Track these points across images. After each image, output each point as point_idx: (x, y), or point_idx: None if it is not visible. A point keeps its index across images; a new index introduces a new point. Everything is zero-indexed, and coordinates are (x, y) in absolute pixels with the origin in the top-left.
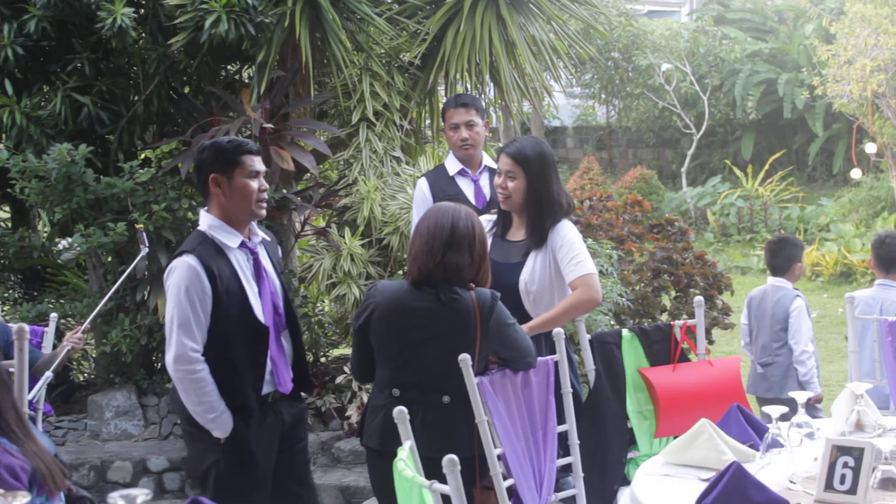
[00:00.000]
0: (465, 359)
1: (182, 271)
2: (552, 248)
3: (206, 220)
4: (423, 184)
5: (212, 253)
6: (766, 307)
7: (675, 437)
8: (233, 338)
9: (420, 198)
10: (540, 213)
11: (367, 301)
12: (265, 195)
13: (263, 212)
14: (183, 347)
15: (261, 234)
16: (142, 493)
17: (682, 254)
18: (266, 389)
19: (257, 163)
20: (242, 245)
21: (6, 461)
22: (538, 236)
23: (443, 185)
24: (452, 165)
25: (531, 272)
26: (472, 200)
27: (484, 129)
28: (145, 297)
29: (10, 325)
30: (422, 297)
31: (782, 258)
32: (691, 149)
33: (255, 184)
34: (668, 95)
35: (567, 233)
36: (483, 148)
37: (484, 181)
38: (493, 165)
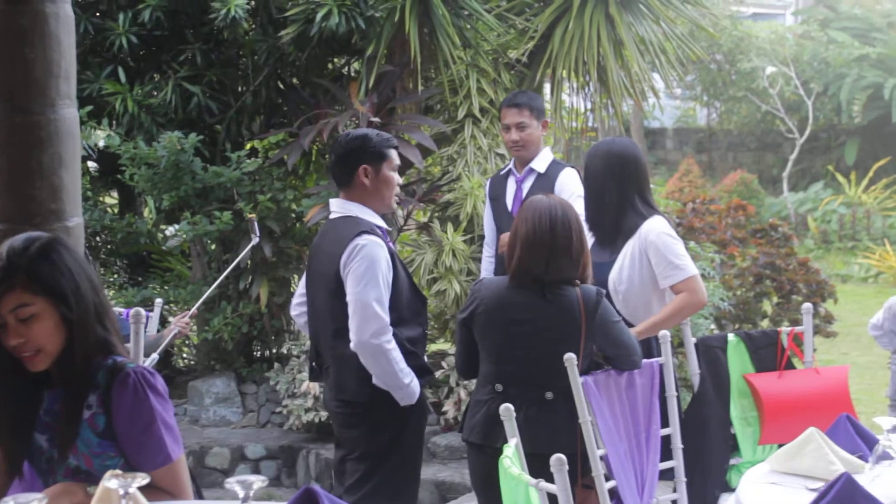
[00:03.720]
0: (570, 358)
1: (372, 249)
2: (643, 246)
3: (354, 208)
4: (487, 184)
5: (381, 232)
6: None
7: (779, 446)
8: (408, 313)
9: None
10: (597, 209)
11: (473, 295)
12: (399, 190)
13: (395, 206)
14: (381, 321)
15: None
16: (258, 480)
17: (785, 259)
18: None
19: (398, 158)
20: (384, 231)
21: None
22: (612, 237)
23: (496, 184)
24: (511, 164)
25: (619, 271)
26: (509, 203)
27: (540, 130)
28: (248, 286)
29: (123, 308)
30: (526, 294)
31: None
32: (793, 154)
33: (396, 178)
34: (771, 99)
35: (659, 232)
36: (540, 146)
37: (527, 184)
38: (542, 168)
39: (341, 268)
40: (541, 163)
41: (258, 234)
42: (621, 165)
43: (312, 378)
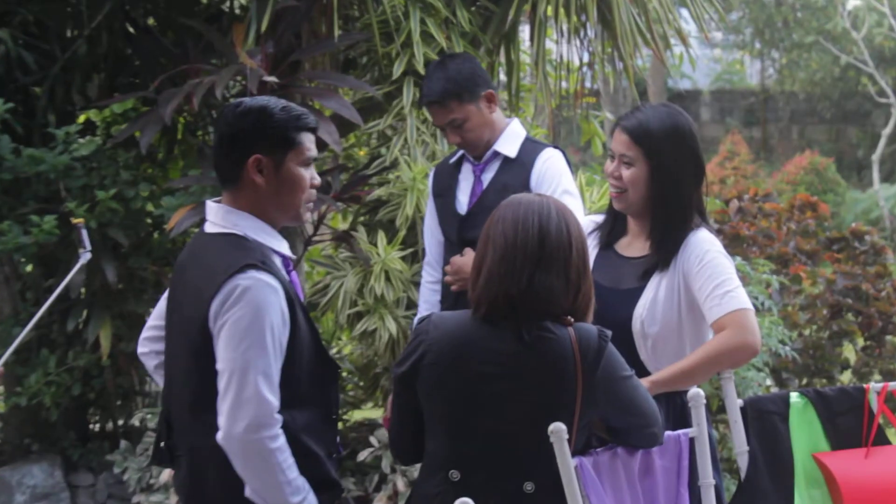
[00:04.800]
0: (558, 429)
1: (259, 294)
2: (683, 270)
3: (241, 220)
4: (431, 174)
5: (276, 267)
6: None
7: None
8: (306, 385)
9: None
10: (669, 219)
11: (417, 339)
12: (314, 193)
13: (308, 215)
14: (266, 406)
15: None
16: None
17: (874, 283)
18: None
19: (313, 145)
20: (285, 260)
21: None
22: (665, 252)
23: (443, 176)
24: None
25: (650, 305)
26: (462, 201)
27: (484, 110)
28: (79, 327)
29: None
30: (496, 335)
31: None
32: (888, 127)
33: (308, 175)
34: (854, 47)
35: (708, 249)
36: (498, 124)
37: (489, 174)
38: (511, 151)
39: (211, 318)
40: (509, 143)
41: (88, 247)
42: (695, 147)
43: (156, 462)
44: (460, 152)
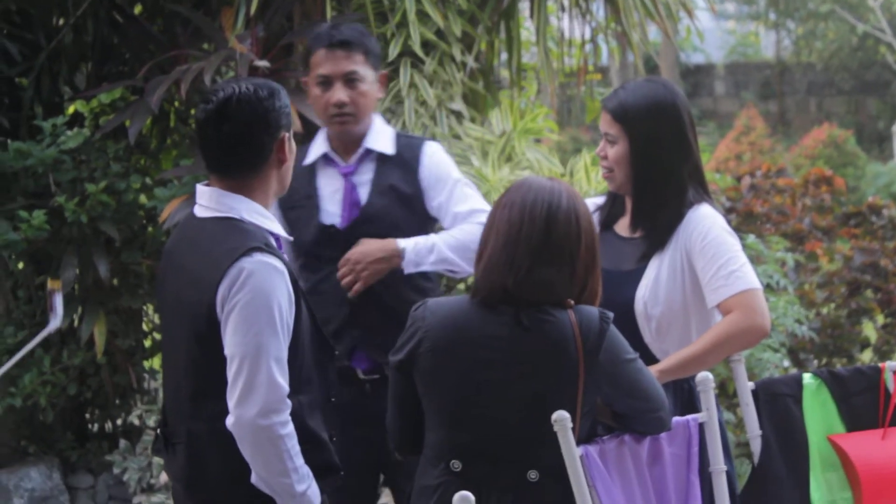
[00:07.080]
0: (561, 417)
1: (266, 277)
2: (686, 248)
3: (237, 203)
4: None
5: (278, 250)
6: None
7: None
8: (308, 368)
9: None
10: (655, 196)
11: (414, 326)
12: None
13: None
14: (278, 390)
15: None
16: None
17: (893, 258)
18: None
19: None
20: (279, 240)
21: None
22: (658, 232)
23: (296, 184)
24: (317, 147)
25: (653, 285)
26: (335, 211)
27: (377, 87)
28: (74, 324)
29: None
30: (494, 319)
31: None
32: None
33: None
34: (872, 15)
35: (710, 226)
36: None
37: (364, 176)
38: (387, 147)
39: (218, 305)
40: (381, 139)
41: (59, 312)
42: (678, 121)
43: (155, 452)
44: (317, 153)
